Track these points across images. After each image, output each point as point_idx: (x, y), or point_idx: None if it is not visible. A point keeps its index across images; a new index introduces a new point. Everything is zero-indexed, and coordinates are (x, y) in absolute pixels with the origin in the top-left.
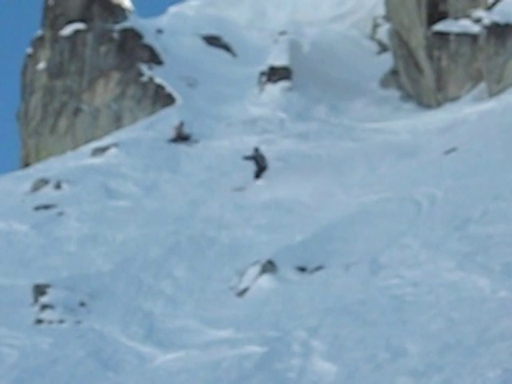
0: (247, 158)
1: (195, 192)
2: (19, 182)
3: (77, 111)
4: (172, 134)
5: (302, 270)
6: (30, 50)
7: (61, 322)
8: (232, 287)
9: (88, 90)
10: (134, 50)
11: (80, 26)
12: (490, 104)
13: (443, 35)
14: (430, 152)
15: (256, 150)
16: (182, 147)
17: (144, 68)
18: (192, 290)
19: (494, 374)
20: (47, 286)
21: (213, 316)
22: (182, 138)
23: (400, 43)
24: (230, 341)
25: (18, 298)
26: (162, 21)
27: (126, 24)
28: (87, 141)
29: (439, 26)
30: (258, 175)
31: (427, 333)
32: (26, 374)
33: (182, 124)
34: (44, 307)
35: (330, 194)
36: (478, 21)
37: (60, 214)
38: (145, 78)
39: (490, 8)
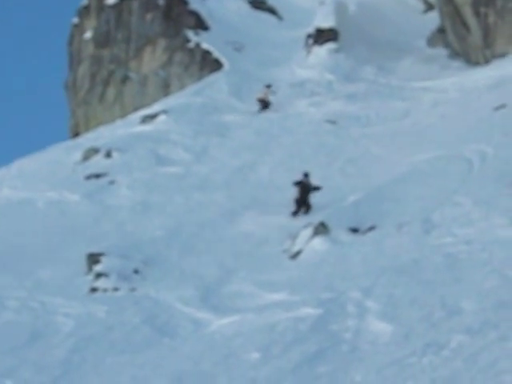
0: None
1: (245, 156)
2: (69, 151)
3: (125, 79)
4: (261, 96)
5: (355, 230)
6: (75, 20)
7: (115, 289)
8: (285, 250)
9: (135, 57)
10: (179, 17)
11: None
12: None
13: None
14: (479, 109)
15: (306, 175)
16: (230, 112)
17: (190, 34)
18: (245, 254)
19: None
20: (101, 254)
21: (267, 279)
22: (266, 103)
23: (446, 1)
24: (285, 304)
25: (72, 268)
26: None
27: None
28: (136, 109)
29: None
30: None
31: (482, 290)
32: (82, 342)
33: (270, 86)
34: (98, 276)
35: (379, 153)
36: None
37: (111, 182)
38: (191, 44)
39: None
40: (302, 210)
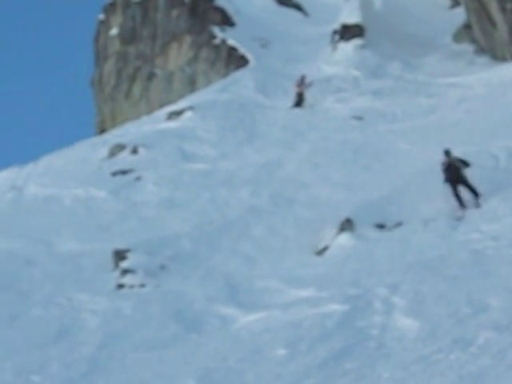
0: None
1: (271, 152)
2: (96, 148)
3: (151, 76)
4: (296, 89)
5: (381, 227)
6: (102, 17)
7: (142, 286)
8: (311, 246)
9: (161, 54)
10: (205, 13)
11: None
12: None
13: None
14: (505, 105)
15: (447, 152)
16: (256, 109)
17: (216, 30)
18: (272, 251)
19: None
20: (127, 250)
21: (293, 276)
22: (301, 95)
23: None
24: (311, 300)
25: (99, 264)
26: None
27: None
28: (162, 105)
29: None
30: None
31: (509, 286)
32: (108, 338)
33: (304, 78)
34: (125, 272)
35: (406, 150)
36: None
37: (137, 178)
38: (217, 41)
39: None
40: (469, 194)
